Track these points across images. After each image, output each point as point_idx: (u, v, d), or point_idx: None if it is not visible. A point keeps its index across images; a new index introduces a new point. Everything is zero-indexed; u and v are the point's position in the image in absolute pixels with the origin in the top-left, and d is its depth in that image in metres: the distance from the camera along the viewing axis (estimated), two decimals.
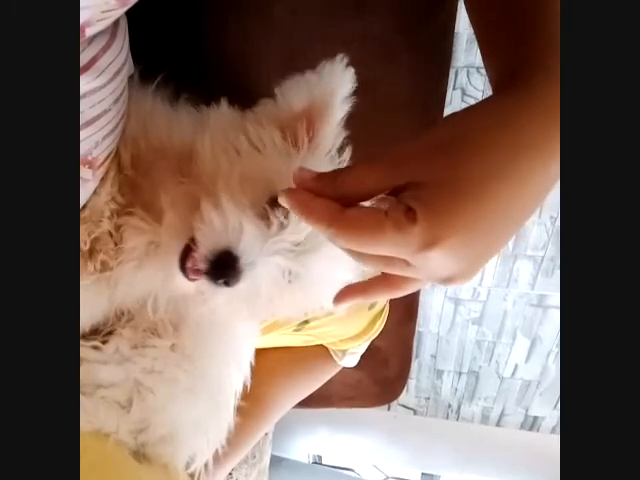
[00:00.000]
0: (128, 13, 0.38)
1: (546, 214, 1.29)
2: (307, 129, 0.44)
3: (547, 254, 1.35)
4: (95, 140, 0.39)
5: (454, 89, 1.16)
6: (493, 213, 0.29)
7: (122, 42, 0.40)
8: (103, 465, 0.41)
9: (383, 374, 0.96)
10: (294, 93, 0.44)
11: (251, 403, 0.56)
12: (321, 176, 0.32)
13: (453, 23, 0.66)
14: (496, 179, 0.29)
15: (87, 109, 0.37)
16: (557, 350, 1.52)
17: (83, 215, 0.43)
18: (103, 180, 0.43)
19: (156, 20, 0.55)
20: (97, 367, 0.44)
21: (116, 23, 0.38)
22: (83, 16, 0.31)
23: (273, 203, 0.40)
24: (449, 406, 1.75)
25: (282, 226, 0.40)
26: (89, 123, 0.38)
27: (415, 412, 1.78)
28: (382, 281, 0.37)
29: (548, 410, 1.66)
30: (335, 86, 0.43)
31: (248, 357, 0.55)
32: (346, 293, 0.38)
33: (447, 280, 0.32)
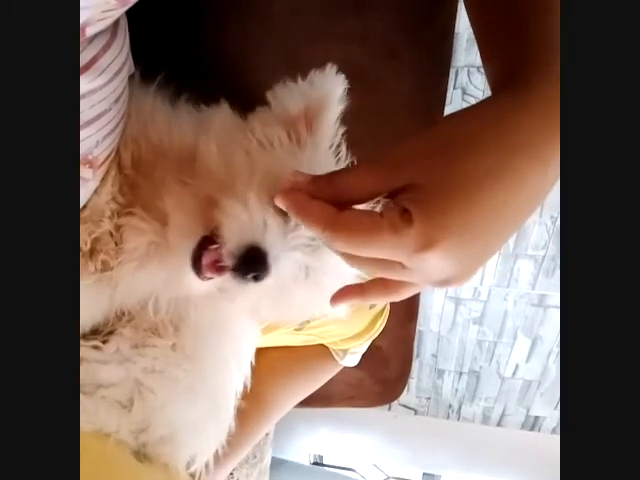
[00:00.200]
0: (128, 13, 0.38)
1: (547, 214, 1.29)
2: (307, 129, 0.44)
3: (548, 254, 1.35)
4: (95, 140, 0.39)
5: (455, 89, 1.16)
6: (489, 213, 0.29)
7: (122, 42, 0.40)
8: (104, 465, 0.41)
9: (384, 374, 0.96)
10: (288, 97, 0.45)
11: (251, 403, 0.56)
12: (317, 179, 0.32)
13: (453, 22, 0.66)
14: (492, 178, 0.28)
15: (87, 109, 0.37)
16: (558, 350, 1.51)
17: (83, 215, 0.43)
18: (103, 180, 0.43)
19: (156, 20, 0.55)
20: (97, 367, 0.44)
21: (116, 23, 0.38)
22: (83, 16, 0.31)
23: None
24: (450, 406, 1.75)
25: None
26: (89, 123, 0.38)
27: (416, 412, 1.78)
28: (380, 284, 0.36)
29: (549, 410, 1.66)
30: (329, 89, 0.44)
31: (249, 357, 0.55)
32: (343, 294, 0.38)
33: (443, 282, 0.32)
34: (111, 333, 0.48)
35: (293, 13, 0.60)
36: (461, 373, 1.66)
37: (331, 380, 0.75)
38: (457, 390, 1.70)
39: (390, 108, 0.67)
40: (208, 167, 0.43)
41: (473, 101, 1.18)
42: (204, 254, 0.41)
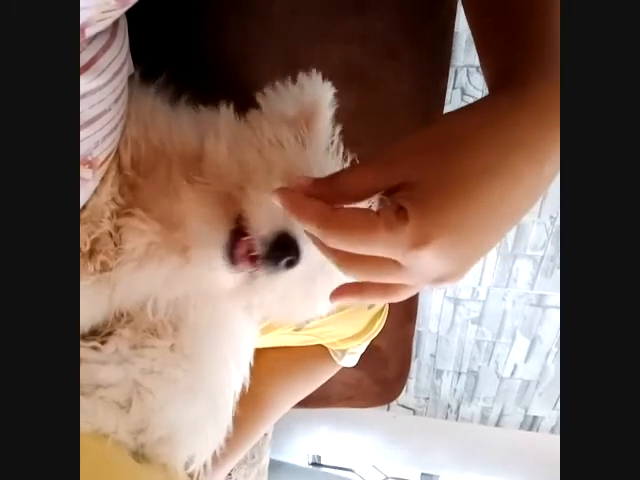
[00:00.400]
0: (128, 13, 0.38)
1: (546, 214, 1.29)
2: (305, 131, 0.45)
3: (547, 254, 1.35)
4: (95, 140, 0.39)
5: (454, 88, 1.16)
6: (486, 209, 0.29)
7: (122, 42, 0.40)
8: (102, 465, 0.41)
9: (382, 374, 0.96)
10: (280, 101, 0.46)
11: (250, 403, 0.56)
12: (317, 181, 0.32)
13: (453, 22, 0.66)
14: (489, 175, 0.29)
15: (87, 109, 0.37)
16: (556, 350, 1.52)
17: (83, 215, 0.43)
18: (103, 180, 0.43)
19: (156, 20, 0.55)
20: (96, 367, 0.44)
21: (116, 23, 0.38)
22: (83, 16, 0.31)
23: None
24: (448, 406, 1.75)
25: None
26: (89, 123, 0.37)
27: (414, 412, 1.78)
28: (378, 283, 0.36)
29: (547, 410, 1.66)
30: (320, 94, 0.45)
31: (248, 356, 0.55)
32: (342, 291, 0.38)
33: (439, 280, 0.32)
34: (110, 334, 0.47)
35: (293, 13, 0.60)
36: (460, 373, 1.66)
37: (330, 380, 0.75)
38: (456, 390, 1.70)
39: (390, 108, 0.67)
40: (218, 166, 0.43)
41: (472, 101, 1.17)
42: (237, 245, 0.41)
